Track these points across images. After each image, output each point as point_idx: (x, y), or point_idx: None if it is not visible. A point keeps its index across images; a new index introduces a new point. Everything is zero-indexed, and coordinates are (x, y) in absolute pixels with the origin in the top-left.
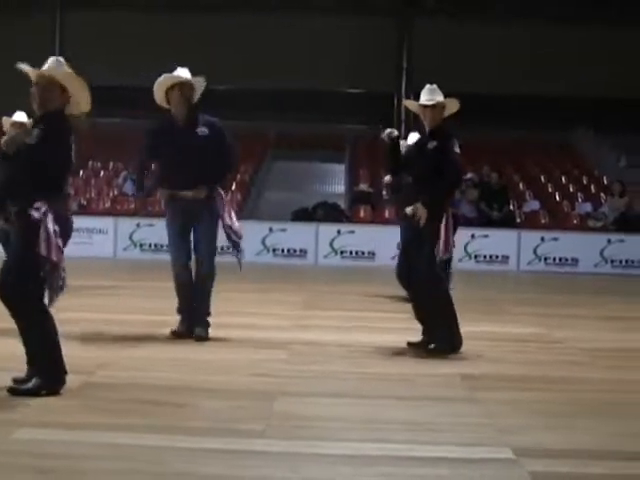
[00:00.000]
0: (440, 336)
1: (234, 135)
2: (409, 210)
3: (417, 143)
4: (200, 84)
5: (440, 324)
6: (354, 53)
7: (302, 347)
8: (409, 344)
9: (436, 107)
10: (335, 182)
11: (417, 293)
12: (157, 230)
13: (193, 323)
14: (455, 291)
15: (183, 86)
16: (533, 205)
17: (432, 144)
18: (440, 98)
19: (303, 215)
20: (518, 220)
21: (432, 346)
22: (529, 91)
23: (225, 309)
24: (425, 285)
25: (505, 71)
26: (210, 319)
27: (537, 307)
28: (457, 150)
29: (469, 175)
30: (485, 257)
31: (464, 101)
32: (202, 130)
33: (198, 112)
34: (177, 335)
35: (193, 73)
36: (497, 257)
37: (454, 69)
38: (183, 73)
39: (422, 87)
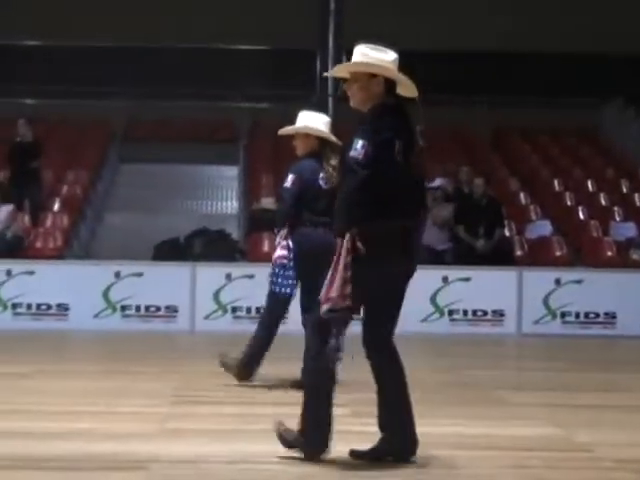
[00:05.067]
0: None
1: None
2: None
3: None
4: None
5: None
6: None
7: (167, 467)
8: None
9: None
10: (223, 195)
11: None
12: None
13: None
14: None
15: None
16: (542, 228)
17: None
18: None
19: (171, 250)
20: (518, 253)
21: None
22: (531, 48)
23: (49, 405)
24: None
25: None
26: None
27: (550, 392)
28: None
29: (437, 182)
30: (466, 313)
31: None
32: None
33: None
34: None
35: None
36: (485, 313)
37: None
38: None
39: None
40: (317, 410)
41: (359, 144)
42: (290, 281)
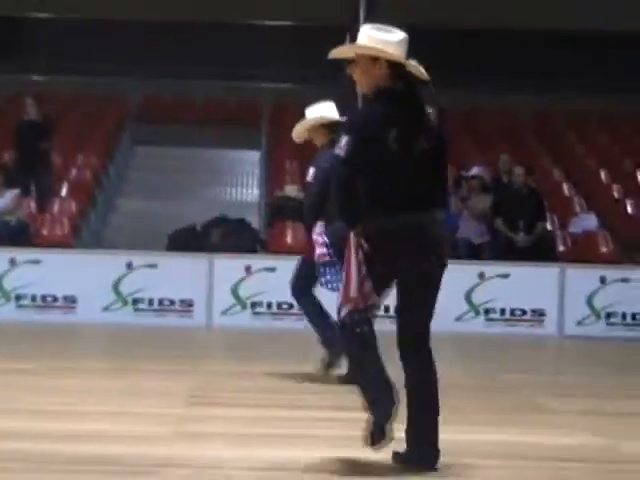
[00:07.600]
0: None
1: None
2: None
3: None
4: None
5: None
6: None
7: (183, 472)
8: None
9: None
10: (243, 181)
11: None
12: None
13: None
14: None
15: None
16: (587, 222)
17: None
18: None
19: (186, 240)
20: (561, 248)
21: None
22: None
23: (55, 404)
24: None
25: None
26: None
27: (593, 398)
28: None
29: (474, 171)
30: (503, 312)
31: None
32: None
33: None
34: None
35: None
36: (524, 313)
37: None
38: None
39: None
40: (369, 378)
41: (343, 140)
42: (340, 276)
